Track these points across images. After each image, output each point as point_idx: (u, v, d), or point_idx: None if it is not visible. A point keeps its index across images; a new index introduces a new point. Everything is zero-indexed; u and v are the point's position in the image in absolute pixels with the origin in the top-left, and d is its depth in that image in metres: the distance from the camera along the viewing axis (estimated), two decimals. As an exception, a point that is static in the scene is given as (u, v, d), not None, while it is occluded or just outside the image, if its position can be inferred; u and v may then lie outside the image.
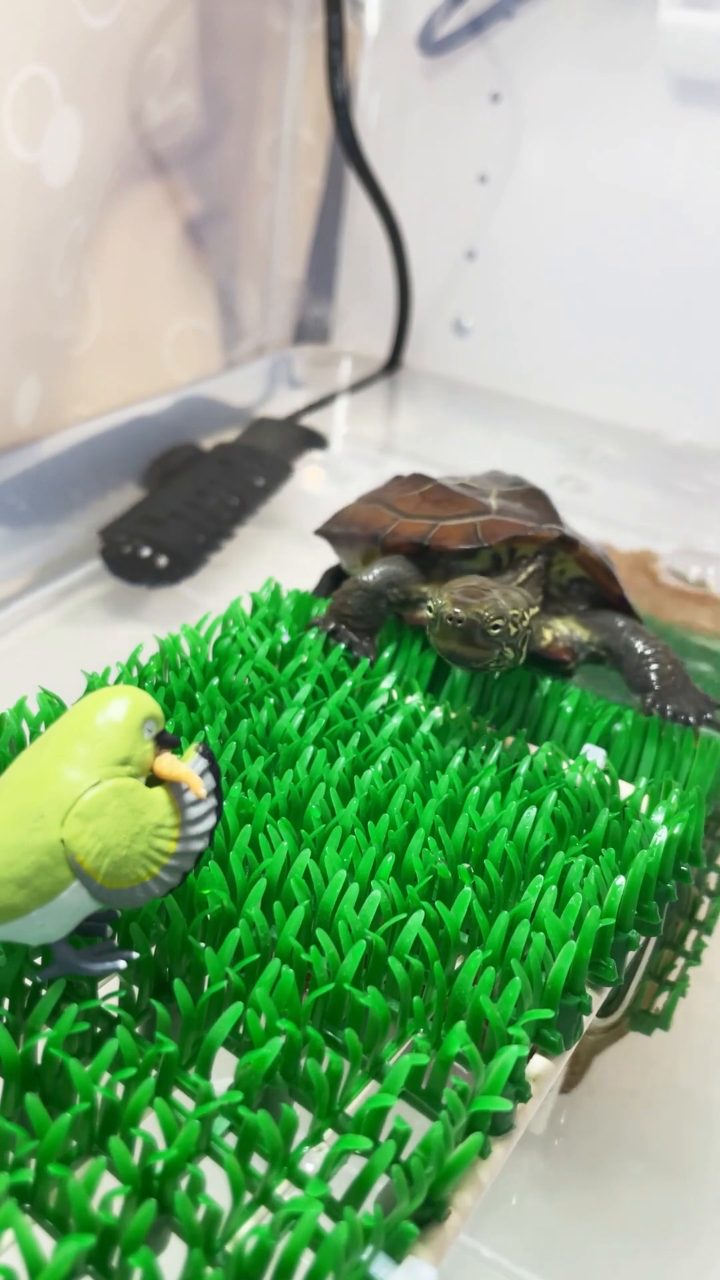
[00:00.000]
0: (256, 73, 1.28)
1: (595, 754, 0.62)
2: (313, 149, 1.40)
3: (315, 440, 1.23)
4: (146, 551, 0.96)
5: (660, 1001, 0.61)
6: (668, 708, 0.64)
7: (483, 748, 0.59)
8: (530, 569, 0.66)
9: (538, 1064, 0.44)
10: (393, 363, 1.45)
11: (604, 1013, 0.60)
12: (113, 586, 0.97)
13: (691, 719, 0.63)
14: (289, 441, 1.20)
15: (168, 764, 0.39)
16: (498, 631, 0.57)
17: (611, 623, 0.67)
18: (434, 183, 1.37)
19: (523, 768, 0.57)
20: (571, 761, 0.60)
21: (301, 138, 1.38)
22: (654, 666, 0.65)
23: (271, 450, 1.16)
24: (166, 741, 0.40)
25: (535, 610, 0.62)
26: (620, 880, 0.48)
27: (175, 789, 0.39)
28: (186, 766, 0.39)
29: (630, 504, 1.21)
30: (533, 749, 0.61)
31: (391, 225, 1.35)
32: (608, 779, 0.58)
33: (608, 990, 0.48)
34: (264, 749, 0.55)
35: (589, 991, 0.46)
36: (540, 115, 1.29)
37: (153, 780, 0.40)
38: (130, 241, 1.14)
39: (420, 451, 1.32)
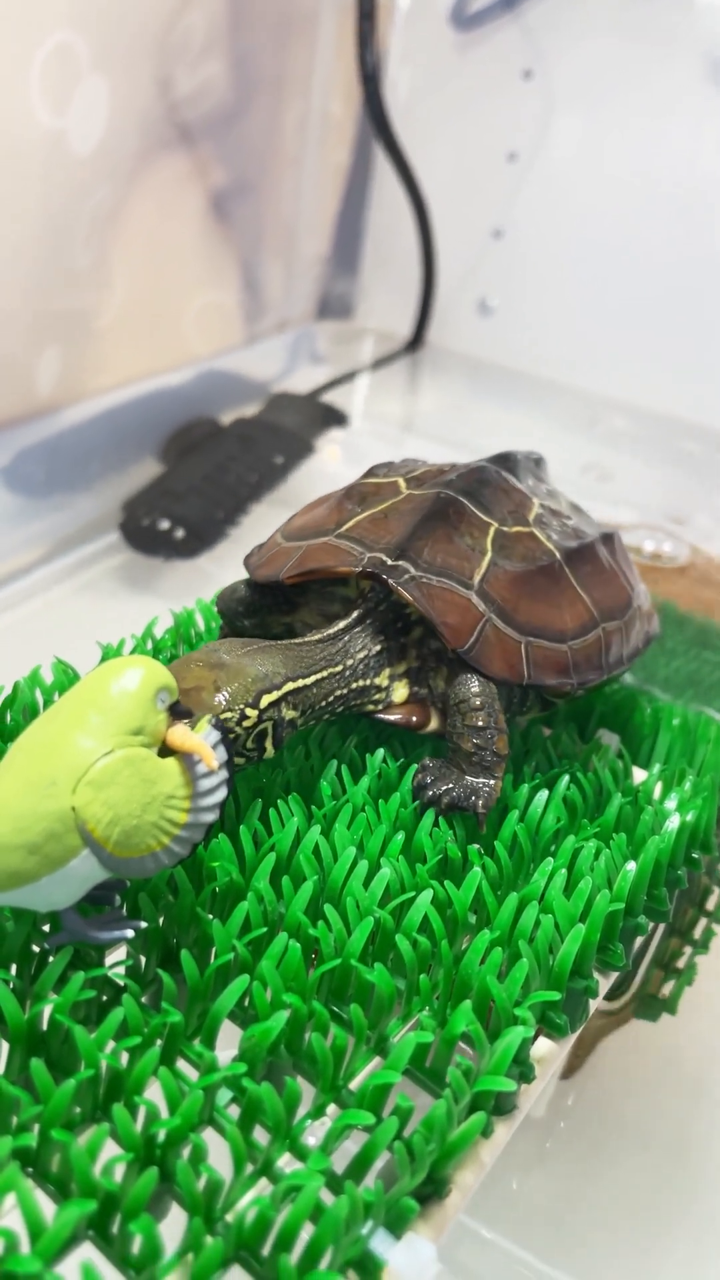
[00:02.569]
0: (286, 45, 1.27)
1: (609, 739, 0.61)
2: (341, 123, 1.39)
3: (335, 417, 1.22)
4: (164, 524, 0.96)
5: (667, 989, 0.61)
6: (435, 788, 0.50)
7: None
8: (358, 611, 0.53)
9: (542, 1046, 0.44)
10: (416, 341, 1.44)
11: (611, 996, 0.59)
12: (130, 558, 0.97)
13: (441, 804, 0.50)
14: (309, 418, 1.19)
15: (180, 735, 0.39)
16: None
17: (458, 689, 0.51)
18: (462, 160, 1.35)
19: (536, 751, 0.57)
20: (585, 746, 0.60)
21: (330, 111, 1.37)
22: (461, 744, 0.51)
23: (291, 427, 1.15)
24: (179, 713, 0.40)
25: (298, 683, 0.49)
26: (631, 865, 0.48)
27: (187, 760, 0.39)
28: (199, 738, 0.39)
29: (655, 488, 1.20)
30: (546, 733, 0.61)
31: (418, 202, 1.34)
32: (621, 765, 0.58)
33: (615, 975, 0.48)
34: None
35: (596, 976, 0.46)
36: (572, 93, 1.27)
37: (165, 751, 0.40)
38: (155, 213, 1.13)
39: (441, 431, 1.31)
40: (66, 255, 1.02)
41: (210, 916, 0.42)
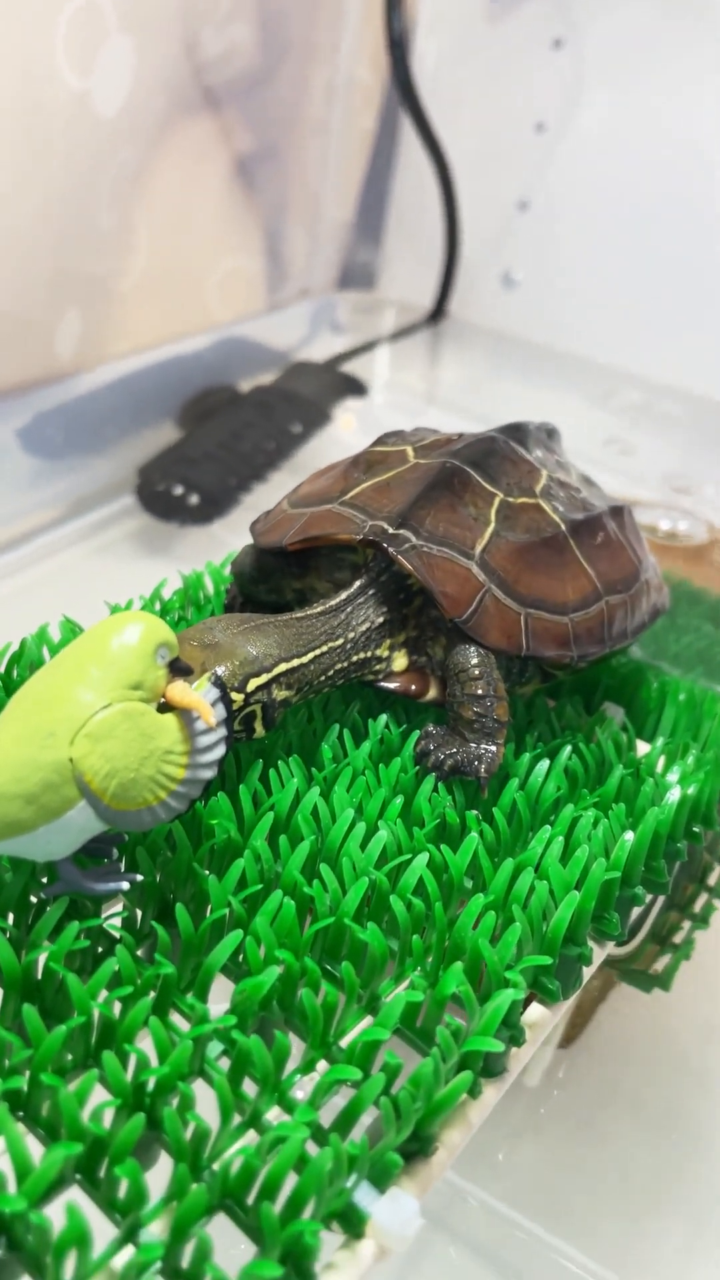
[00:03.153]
0: (314, 8, 1.26)
1: (614, 712, 0.61)
2: (368, 90, 1.38)
3: (354, 387, 1.22)
4: (179, 490, 0.96)
5: (663, 963, 0.61)
6: (437, 753, 0.50)
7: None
8: (360, 581, 0.53)
9: (535, 1012, 0.44)
10: (438, 312, 1.43)
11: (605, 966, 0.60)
12: (145, 523, 0.97)
13: (444, 769, 0.50)
14: (327, 387, 1.19)
15: (179, 691, 0.39)
16: None
17: (457, 658, 0.51)
18: (490, 129, 1.34)
19: (539, 721, 0.57)
20: (589, 718, 0.60)
21: (357, 78, 1.36)
22: (461, 712, 0.51)
23: (309, 395, 1.15)
24: (180, 669, 0.40)
25: (292, 663, 0.49)
26: (629, 835, 0.48)
27: (186, 717, 0.39)
28: (198, 695, 0.39)
29: (678, 464, 1.19)
30: (551, 704, 0.61)
31: (444, 172, 1.33)
32: (625, 737, 0.57)
33: (610, 945, 0.48)
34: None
35: (591, 944, 0.46)
36: (603, 63, 1.26)
37: (164, 708, 0.40)
38: (179, 177, 1.13)
39: (461, 403, 1.31)
40: (89, 218, 1.02)
41: (207, 873, 0.43)
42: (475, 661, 0.51)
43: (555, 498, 0.57)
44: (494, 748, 0.50)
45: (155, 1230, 0.33)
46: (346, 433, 1.15)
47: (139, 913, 0.43)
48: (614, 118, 1.27)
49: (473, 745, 0.50)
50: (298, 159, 1.33)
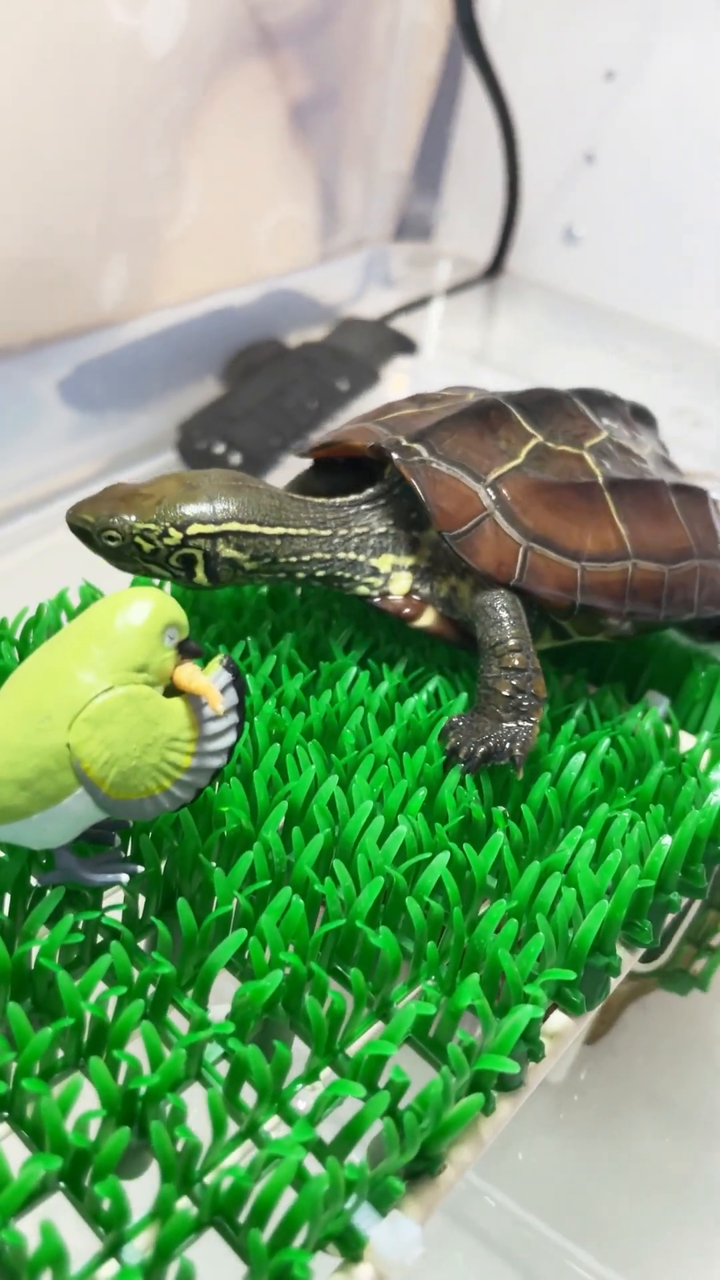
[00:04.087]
0: (379, -55, 1.21)
1: (658, 701, 0.58)
2: (431, 33, 1.33)
3: (404, 345, 1.18)
4: (221, 447, 0.94)
5: (699, 965, 0.58)
6: (467, 745, 0.48)
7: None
8: (372, 489, 0.53)
9: (557, 1021, 0.42)
10: (495, 268, 1.39)
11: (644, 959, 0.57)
12: (184, 481, 0.94)
13: (475, 759, 0.47)
14: (376, 345, 1.15)
15: (187, 675, 0.37)
16: (115, 544, 0.48)
17: (484, 604, 0.50)
18: (556, 77, 1.28)
19: (577, 710, 0.54)
20: (631, 707, 0.57)
21: (420, 20, 1.30)
22: (498, 688, 0.49)
23: (358, 353, 1.12)
24: (189, 651, 0.38)
25: (248, 528, 0.49)
26: (666, 840, 0.45)
27: (194, 701, 0.37)
28: (207, 679, 0.37)
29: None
30: (592, 690, 0.58)
31: (507, 120, 1.27)
32: (668, 730, 0.54)
33: (640, 951, 0.45)
34: (305, 665, 0.53)
35: (620, 952, 0.43)
36: (678, 6, 1.19)
37: (172, 691, 0.37)
38: (231, 122, 1.09)
39: (515, 364, 1.26)
40: (137, 162, 0.99)
41: (214, 864, 0.40)
42: (512, 632, 0.50)
43: (608, 457, 0.56)
44: (529, 724, 0.48)
45: (141, 1245, 0.31)
46: (395, 392, 1.11)
47: (142, 903, 0.41)
48: (688, 66, 1.21)
49: (506, 725, 0.48)
50: (355, 105, 1.28)
